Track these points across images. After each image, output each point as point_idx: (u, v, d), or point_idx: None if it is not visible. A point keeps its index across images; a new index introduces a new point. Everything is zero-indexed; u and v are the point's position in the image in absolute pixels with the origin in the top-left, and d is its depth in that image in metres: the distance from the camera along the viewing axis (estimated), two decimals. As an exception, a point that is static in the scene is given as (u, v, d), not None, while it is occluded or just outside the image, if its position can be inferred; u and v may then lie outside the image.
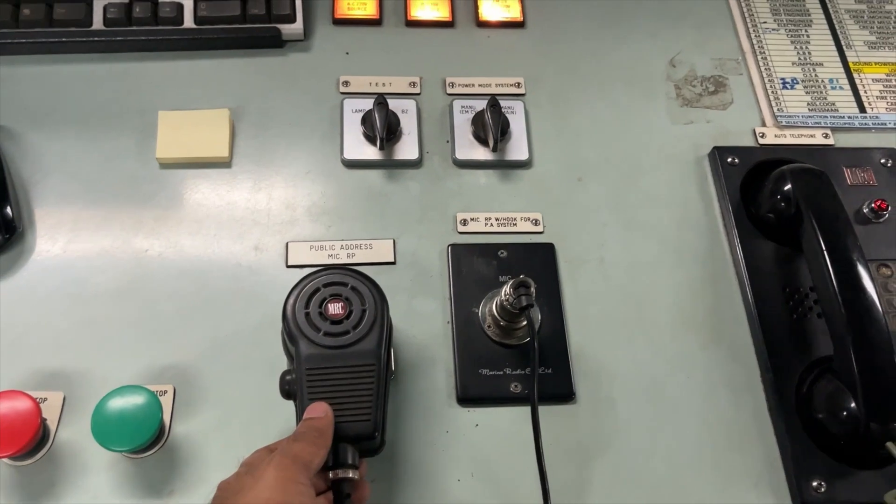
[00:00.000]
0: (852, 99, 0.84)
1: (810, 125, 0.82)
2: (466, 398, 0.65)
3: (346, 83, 0.80)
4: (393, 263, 0.71)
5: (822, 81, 0.85)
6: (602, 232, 0.74)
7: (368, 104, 0.77)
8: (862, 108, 0.84)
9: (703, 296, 0.72)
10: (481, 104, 0.79)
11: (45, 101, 0.76)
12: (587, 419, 0.65)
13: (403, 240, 0.72)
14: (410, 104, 0.79)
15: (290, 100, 0.79)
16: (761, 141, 0.81)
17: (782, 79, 0.85)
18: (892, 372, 0.61)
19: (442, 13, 0.85)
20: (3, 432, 0.57)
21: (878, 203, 0.75)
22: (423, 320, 0.69)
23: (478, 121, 0.77)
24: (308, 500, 0.48)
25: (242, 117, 0.77)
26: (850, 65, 0.87)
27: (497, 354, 0.67)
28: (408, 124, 0.78)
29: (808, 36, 0.88)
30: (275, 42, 0.81)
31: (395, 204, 0.74)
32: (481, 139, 0.77)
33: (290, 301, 0.58)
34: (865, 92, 0.85)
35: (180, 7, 0.79)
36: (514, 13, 0.86)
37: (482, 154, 0.77)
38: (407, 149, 0.77)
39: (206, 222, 0.72)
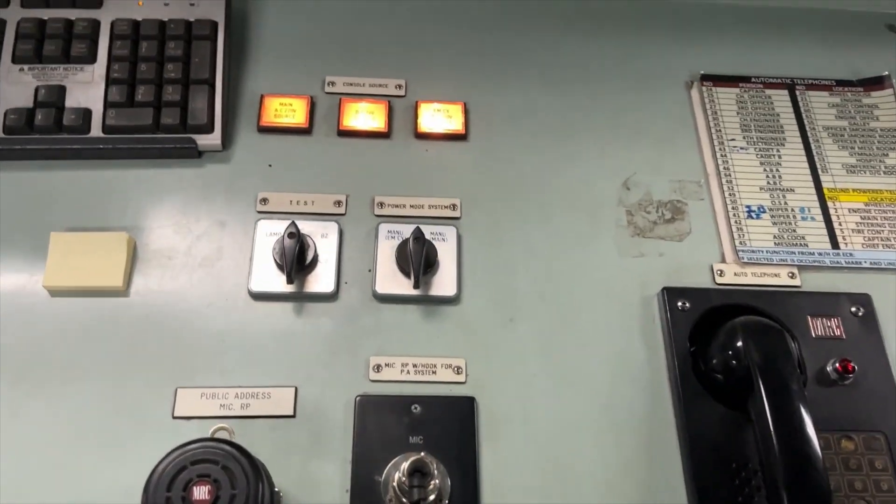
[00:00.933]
0: (824, 231, 0.76)
1: (775, 262, 0.74)
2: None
3: (264, 201, 0.74)
4: (292, 416, 0.64)
5: (792, 210, 0.77)
6: (530, 384, 0.67)
7: (284, 226, 0.70)
8: (835, 244, 0.76)
9: (637, 467, 0.64)
10: (410, 228, 0.72)
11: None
12: None
13: (307, 388, 0.65)
14: (332, 227, 0.72)
15: (202, 219, 0.72)
16: (719, 279, 0.73)
17: (748, 206, 0.77)
18: None
19: (378, 123, 0.78)
20: None
21: (843, 363, 0.67)
22: (318, 488, 0.61)
23: (403, 250, 0.70)
24: None
25: (147, 236, 0.71)
26: (825, 191, 0.79)
27: (394, 536, 0.59)
28: (326, 250, 0.71)
29: (779, 157, 0.81)
30: (190, 153, 0.74)
31: (302, 344, 0.67)
32: (406, 271, 0.70)
33: (152, 481, 0.51)
34: (840, 224, 0.77)
35: (87, 114, 0.73)
36: (457, 125, 0.79)
37: (406, 287, 0.70)
38: (322, 279, 0.70)
39: (89, 360, 0.65)
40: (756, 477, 0.63)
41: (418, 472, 0.55)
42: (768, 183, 0.79)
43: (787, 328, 0.68)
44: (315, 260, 0.70)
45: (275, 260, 0.70)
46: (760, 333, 0.64)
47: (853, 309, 0.71)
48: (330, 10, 0.86)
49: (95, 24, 0.77)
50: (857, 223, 0.77)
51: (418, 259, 0.67)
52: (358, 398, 0.65)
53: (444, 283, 0.70)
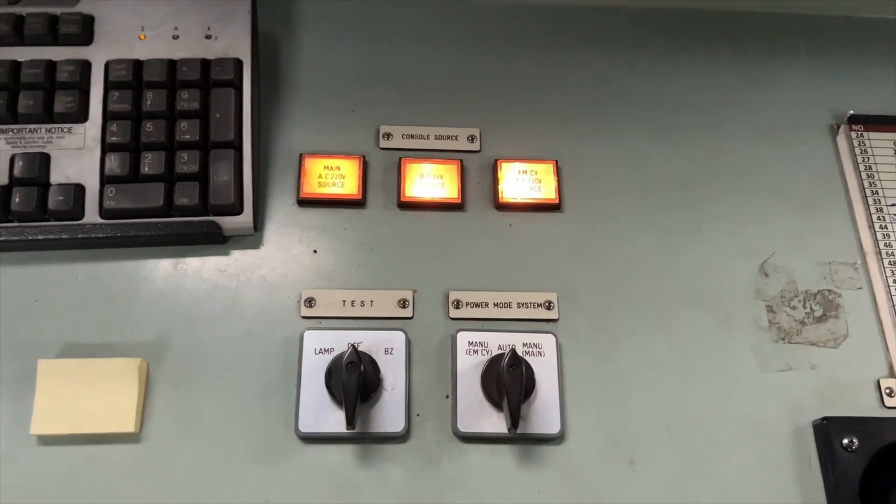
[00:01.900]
0: None
1: (957, 374, 0.58)
2: None
3: (309, 302, 0.58)
4: None
5: (974, 301, 0.61)
6: (660, 555, 0.52)
7: (338, 341, 0.55)
8: None
9: None
10: (497, 339, 0.56)
11: None
12: None
13: (377, 567, 0.51)
14: (398, 339, 0.56)
15: (230, 326, 0.57)
16: (888, 402, 0.57)
17: (917, 296, 0.61)
18: None
19: (449, 190, 0.62)
20: None
21: None
22: None
23: (492, 375, 0.55)
24: None
25: (160, 359, 0.55)
26: None
27: None
28: (392, 373, 0.55)
29: (953, 226, 0.64)
30: (213, 239, 0.58)
31: (366, 502, 0.52)
32: (495, 402, 0.54)
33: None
34: None
35: (79, 193, 0.57)
36: (548, 191, 0.62)
37: (496, 423, 0.55)
38: (389, 414, 0.54)
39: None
40: None
41: None
42: (940, 263, 0.63)
43: None
44: (380, 388, 0.55)
45: (328, 390, 0.54)
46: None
47: None
48: (382, 42, 0.68)
49: (85, 67, 0.59)
50: None
51: (516, 396, 0.51)
52: (442, 581, 0.50)
53: (543, 414, 0.55)
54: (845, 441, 0.55)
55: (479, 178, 0.63)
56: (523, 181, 0.62)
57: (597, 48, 0.69)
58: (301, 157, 0.61)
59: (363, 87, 0.65)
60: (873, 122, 0.67)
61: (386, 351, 0.56)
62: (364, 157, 0.62)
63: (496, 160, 0.63)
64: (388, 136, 0.64)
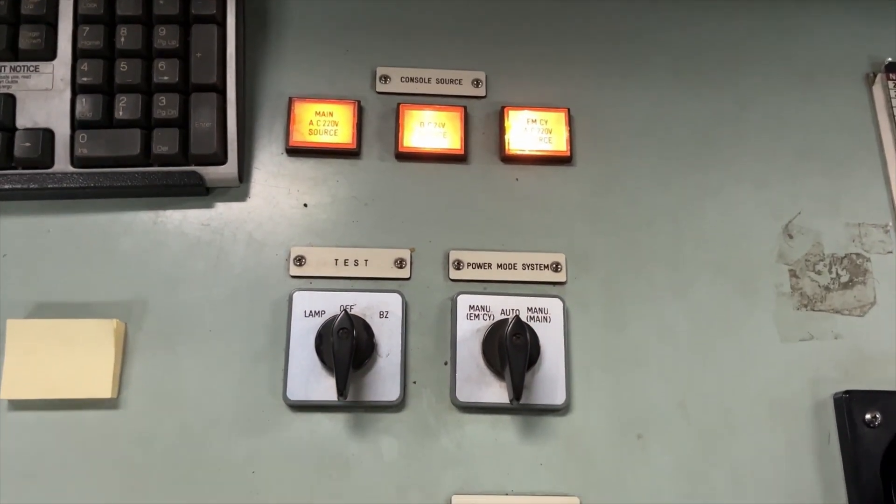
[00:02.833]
0: None
1: None
2: None
3: (299, 260, 0.54)
4: (348, 589, 0.47)
5: None
6: (668, 535, 0.50)
7: (330, 302, 0.51)
8: None
9: None
10: (501, 304, 0.53)
11: None
12: None
13: (369, 544, 0.48)
14: (393, 301, 0.52)
15: (213, 286, 0.53)
16: (916, 376, 0.54)
17: (951, 263, 0.57)
18: None
19: (451, 140, 0.57)
20: None
21: None
22: None
23: (493, 342, 0.51)
24: None
25: (138, 321, 0.51)
26: None
27: None
28: (387, 338, 0.52)
29: None
30: (195, 191, 0.54)
31: (359, 477, 0.50)
32: (497, 370, 0.51)
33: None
34: None
35: (48, 139, 0.52)
36: (558, 143, 0.57)
37: (497, 393, 0.51)
38: (383, 382, 0.51)
39: (70, 498, 0.47)
40: None
41: None
42: (978, 227, 0.58)
43: None
44: (374, 354, 0.51)
45: (318, 356, 0.50)
46: None
47: None
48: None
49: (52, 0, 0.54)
50: None
51: (520, 365, 0.48)
52: (438, 560, 0.48)
53: (547, 384, 0.52)
54: (868, 416, 0.52)
55: (484, 128, 0.58)
56: (532, 131, 0.57)
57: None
58: (290, 102, 0.56)
59: (359, 24, 0.60)
60: (913, 72, 0.62)
61: (381, 314, 0.52)
62: (359, 102, 0.57)
63: (503, 107, 0.58)
64: (385, 78, 0.58)
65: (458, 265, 0.54)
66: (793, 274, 0.56)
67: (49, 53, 0.53)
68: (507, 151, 0.57)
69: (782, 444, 0.52)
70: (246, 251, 0.54)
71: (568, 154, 0.57)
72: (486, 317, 0.53)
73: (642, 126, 0.59)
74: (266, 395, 0.50)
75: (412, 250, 0.55)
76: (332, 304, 0.52)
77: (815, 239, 0.57)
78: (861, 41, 0.63)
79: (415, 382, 0.52)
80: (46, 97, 0.53)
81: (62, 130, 0.52)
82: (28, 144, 0.51)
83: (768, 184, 0.58)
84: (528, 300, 0.53)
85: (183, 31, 0.54)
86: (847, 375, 0.54)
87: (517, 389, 0.48)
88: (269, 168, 0.56)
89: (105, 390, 0.49)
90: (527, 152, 0.57)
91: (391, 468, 0.50)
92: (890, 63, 0.62)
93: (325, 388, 0.50)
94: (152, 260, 0.53)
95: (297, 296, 0.52)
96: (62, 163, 0.52)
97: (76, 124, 0.52)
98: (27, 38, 0.53)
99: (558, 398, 0.51)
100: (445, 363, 0.52)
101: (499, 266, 0.54)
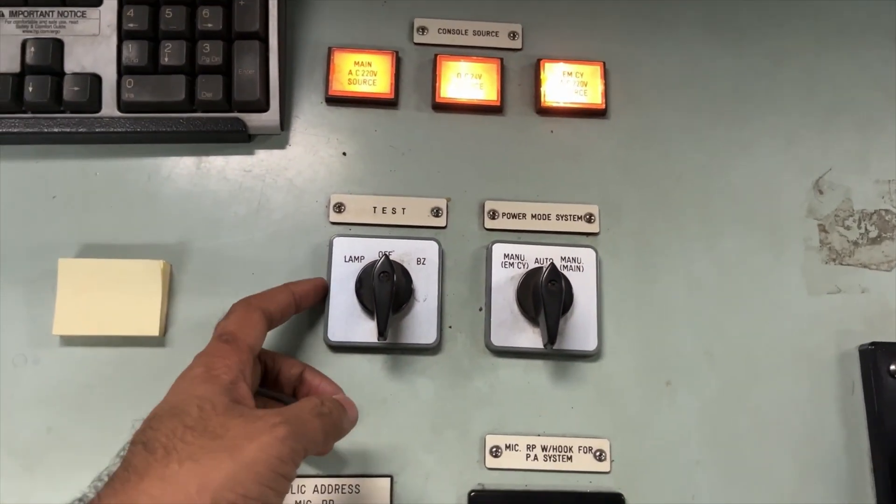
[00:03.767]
0: None
1: None
2: None
3: (338, 207, 0.55)
4: (388, 519, 0.49)
5: None
6: (691, 476, 0.52)
7: (369, 249, 0.53)
8: None
9: None
10: (535, 253, 0.54)
11: None
12: None
13: (405, 478, 0.50)
14: (430, 249, 0.54)
15: (253, 231, 0.54)
16: (941, 330, 0.55)
17: (978, 220, 0.58)
18: None
19: (487, 91, 0.58)
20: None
21: None
22: None
23: (528, 289, 0.52)
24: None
25: (183, 263, 0.53)
26: None
27: None
28: (425, 283, 0.53)
29: None
30: (237, 137, 0.55)
31: (396, 416, 0.51)
32: (531, 317, 0.52)
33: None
34: None
35: (95, 84, 0.53)
36: (594, 95, 0.58)
37: (531, 338, 0.53)
38: (420, 325, 0.53)
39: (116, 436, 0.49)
40: None
41: None
42: None
43: None
44: (411, 299, 0.52)
45: (358, 299, 0.52)
46: None
47: None
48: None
49: (98, -55, 0.54)
50: None
51: (555, 311, 0.49)
52: (472, 494, 0.50)
53: (580, 331, 0.53)
54: (893, 367, 0.53)
55: (520, 80, 0.59)
56: (568, 84, 0.58)
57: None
58: (330, 52, 0.57)
59: (397, -25, 0.60)
60: (948, 31, 0.62)
61: (418, 261, 0.53)
62: (397, 52, 0.58)
63: (539, 60, 0.58)
64: (422, 30, 0.59)
65: (493, 215, 0.55)
66: (822, 229, 0.57)
67: (96, -1, 0.54)
68: (542, 103, 0.58)
69: (806, 393, 0.53)
70: (286, 197, 0.55)
71: (603, 107, 0.58)
72: (520, 265, 0.54)
73: (676, 80, 0.59)
74: (307, 336, 0.52)
75: (448, 200, 0.56)
76: (371, 250, 0.53)
77: (845, 195, 0.58)
78: (895, -2, 0.63)
79: (450, 327, 0.53)
80: (93, 42, 0.54)
81: (109, 76, 0.53)
82: (77, 89, 0.52)
83: (799, 140, 0.59)
84: (562, 250, 0.54)
85: (226, -22, 0.55)
86: (873, 328, 0.55)
87: (552, 334, 0.49)
88: (309, 117, 0.57)
89: (152, 328, 0.51)
90: (562, 105, 0.58)
91: (427, 408, 0.52)
92: (925, 21, 0.62)
93: (364, 330, 0.52)
94: (195, 204, 0.54)
95: (337, 241, 0.53)
96: (109, 107, 0.53)
97: (122, 70, 0.53)
98: (74, -18, 0.54)
99: (590, 344, 0.53)
100: (480, 309, 0.54)
101: (533, 216, 0.56)
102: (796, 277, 0.56)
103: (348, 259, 0.53)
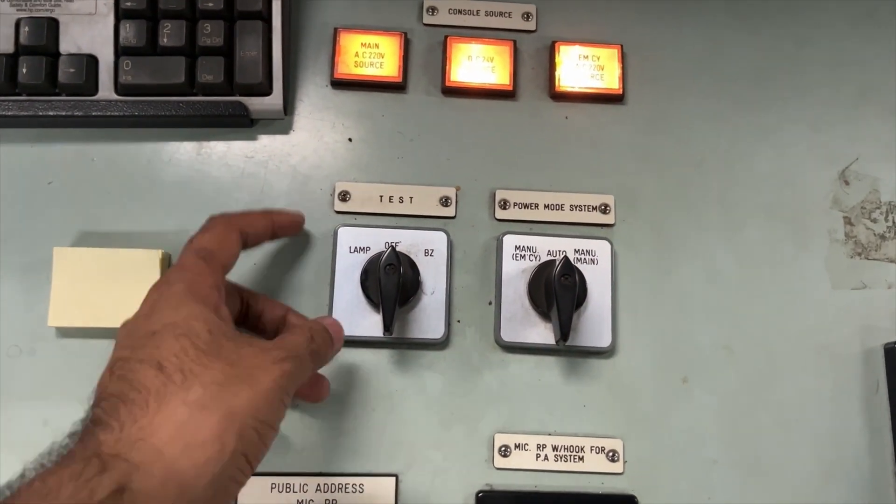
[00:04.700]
0: None
1: None
2: None
3: (343, 196, 0.53)
4: (392, 520, 0.48)
5: None
6: (707, 476, 0.50)
7: (375, 239, 0.51)
8: None
9: None
10: (547, 244, 0.52)
11: None
12: None
13: (411, 477, 0.49)
14: (439, 240, 0.52)
15: (259, 220, 0.52)
16: (970, 328, 0.53)
17: None
18: None
19: (500, 76, 0.55)
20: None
21: None
22: None
23: (539, 281, 0.50)
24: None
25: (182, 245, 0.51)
26: None
27: None
28: (432, 276, 0.51)
29: None
30: (239, 122, 0.53)
31: (402, 412, 0.50)
32: (543, 311, 0.50)
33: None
34: None
35: (91, 65, 0.51)
36: (610, 80, 0.56)
37: (543, 333, 0.51)
38: (428, 319, 0.51)
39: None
40: None
41: None
42: None
43: None
44: (419, 292, 0.51)
45: (363, 291, 0.50)
46: None
47: None
48: None
49: (93, -82, 0.52)
50: None
51: (568, 307, 0.47)
52: (480, 495, 0.48)
53: (593, 326, 0.51)
54: (919, 368, 0.51)
55: (534, 63, 0.56)
56: (583, 67, 0.56)
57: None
58: (336, 32, 0.55)
59: (406, -48, 0.58)
60: (983, 13, 0.59)
61: (426, 252, 0.52)
62: (405, 33, 0.55)
63: (553, 42, 0.56)
64: (432, 10, 0.57)
65: (504, 205, 0.53)
66: (847, 221, 0.55)
67: (92, -24, 0.52)
68: (556, 88, 0.55)
69: (828, 391, 0.51)
70: (290, 185, 0.53)
71: (620, 92, 0.55)
72: (531, 257, 0.52)
73: (696, 64, 0.57)
74: (311, 329, 0.50)
75: (457, 188, 0.54)
76: (377, 240, 0.51)
77: (873, 186, 0.55)
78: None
79: (459, 321, 0.51)
80: (90, 22, 0.51)
81: (106, 56, 0.51)
82: (72, 70, 0.50)
83: (825, 126, 0.56)
84: (576, 242, 0.52)
85: (227, -45, 0.52)
86: (899, 325, 0.53)
87: (565, 331, 0.47)
88: (314, 100, 0.55)
89: (151, 320, 0.49)
90: (577, 89, 0.55)
91: (434, 404, 0.50)
92: (959, 3, 0.59)
93: (370, 323, 0.50)
94: (196, 191, 0.53)
95: (342, 231, 0.51)
96: (106, 90, 0.51)
97: (120, 50, 0.51)
98: (69, -41, 0.51)
99: (604, 340, 0.51)
100: (490, 303, 0.52)
101: (546, 206, 0.54)
102: (820, 271, 0.53)
103: (353, 250, 0.51)
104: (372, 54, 0.55)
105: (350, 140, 0.54)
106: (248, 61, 0.51)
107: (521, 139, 0.55)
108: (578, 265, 0.51)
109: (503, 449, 0.49)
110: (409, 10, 0.57)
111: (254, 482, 0.47)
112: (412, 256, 0.51)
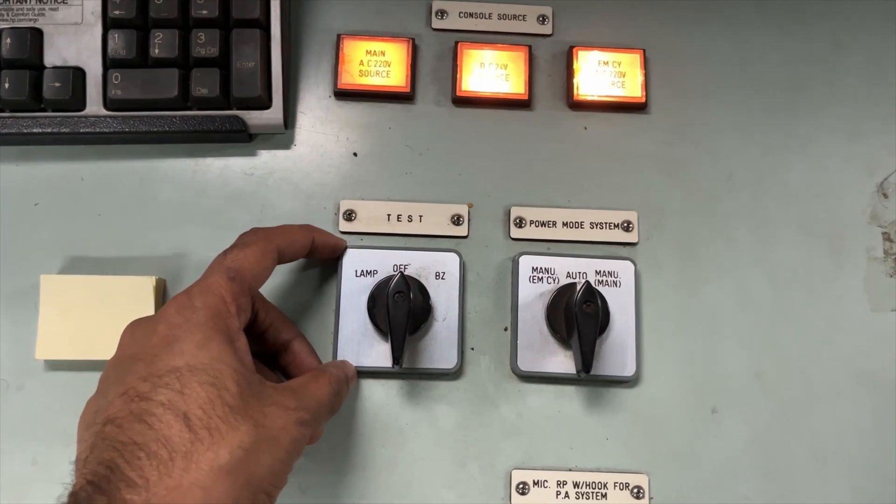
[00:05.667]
0: None
1: None
2: None
3: (349, 215, 0.50)
4: (403, 565, 0.45)
5: None
6: (742, 516, 0.46)
7: (383, 262, 0.48)
8: None
9: None
10: (566, 266, 0.48)
11: None
12: None
13: (424, 518, 0.46)
14: (451, 262, 0.49)
15: (259, 243, 0.49)
16: None
17: None
18: None
19: (514, 84, 0.52)
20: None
21: None
22: None
23: (559, 306, 0.47)
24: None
25: (179, 277, 0.48)
26: None
27: None
28: (444, 301, 0.48)
29: None
30: (237, 138, 0.49)
31: (413, 448, 0.47)
32: (562, 338, 0.47)
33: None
34: None
35: (79, 79, 0.48)
36: (632, 88, 0.52)
37: (561, 362, 0.48)
38: (439, 348, 0.48)
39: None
40: None
41: None
42: None
43: None
44: (430, 318, 0.47)
45: (371, 319, 0.47)
46: None
47: None
48: None
49: (79, -79, 0.49)
50: None
51: (591, 337, 0.44)
52: (497, 537, 0.45)
53: (616, 354, 0.48)
54: (966, 396, 0.47)
55: (551, 70, 0.53)
56: (603, 74, 0.52)
57: None
58: (339, 39, 0.51)
59: (414, -48, 0.54)
60: None
61: (437, 275, 0.48)
62: (413, 39, 0.52)
63: (571, 47, 0.52)
64: (442, 14, 0.53)
65: (520, 223, 0.50)
66: (887, 237, 0.51)
67: (77, -17, 0.48)
68: (575, 97, 0.52)
69: (868, 420, 0.48)
70: (292, 203, 0.50)
71: (643, 100, 0.52)
72: (550, 280, 0.49)
73: (724, 70, 0.53)
74: (322, 356, 0.47)
75: (470, 206, 0.50)
76: (385, 263, 0.48)
77: (913, 198, 0.52)
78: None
79: (472, 349, 0.48)
80: (76, 32, 0.48)
81: (94, 69, 0.48)
82: (58, 84, 0.47)
83: (863, 136, 0.53)
84: (597, 262, 0.49)
85: (222, -42, 0.49)
86: (942, 350, 0.49)
87: (587, 362, 0.44)
88: (317, 113, 0.51)
89: (145, 352, 0.46)
90: (597, 98, 0.52)
91: (448, 438, 0.47)
92: None
93: (378, 353, 0.47)
94: (192, 211, 0.49)
95: (347, 253, 0.48)
96: (94, 105, 0.48)
97: (108, 62, 0.48)
98: (53, -35, 0.48)
99: (628, 369, 0.48)
100: (506, 329, 0.49)
101: (564, 224, 0.50)
102: (858, 292, 0.50)
103: (360, 273, 0.48)
104: (377, 62, 0.51)
105: (355, 155, 0.51)
106: (246, 73, 0.48)
107: (538, 152, 0.51)
108: (600, 287, 0.48)
109: (521, 486, 0.46)
110: (416, 15, 0.53)
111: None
112: (422, 280, 0.48)
